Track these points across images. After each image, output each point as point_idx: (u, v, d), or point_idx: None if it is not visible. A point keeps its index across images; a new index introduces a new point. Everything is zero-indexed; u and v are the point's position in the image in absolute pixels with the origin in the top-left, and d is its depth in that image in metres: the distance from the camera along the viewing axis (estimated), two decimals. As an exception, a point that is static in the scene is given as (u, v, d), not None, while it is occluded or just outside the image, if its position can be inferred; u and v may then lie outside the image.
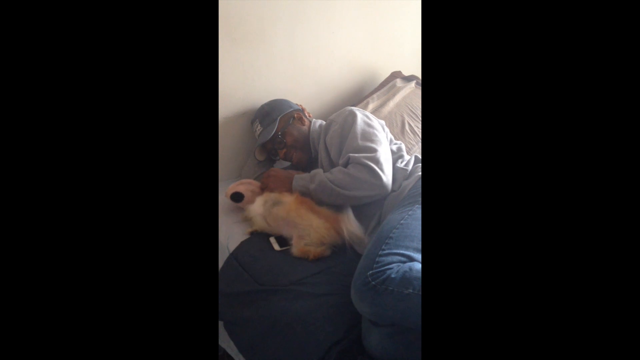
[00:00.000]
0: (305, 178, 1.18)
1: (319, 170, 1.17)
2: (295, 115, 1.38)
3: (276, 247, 1.09)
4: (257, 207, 1.14)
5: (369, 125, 1.20)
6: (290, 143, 1.34)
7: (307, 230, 1.04)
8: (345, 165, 1.15)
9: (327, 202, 1.12)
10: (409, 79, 1.76)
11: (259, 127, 1.37)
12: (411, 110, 1.64)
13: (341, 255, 1.06)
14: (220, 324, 1.04)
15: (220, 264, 1.11)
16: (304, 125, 1.38)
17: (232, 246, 1.13)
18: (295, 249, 1.05)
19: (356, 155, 1.12)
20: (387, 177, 1.10)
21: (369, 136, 1.16)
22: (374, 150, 1.12)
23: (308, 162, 1.38)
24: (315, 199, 1.13)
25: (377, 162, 1.10)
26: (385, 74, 1.79)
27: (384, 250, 0.87)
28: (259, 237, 1.14)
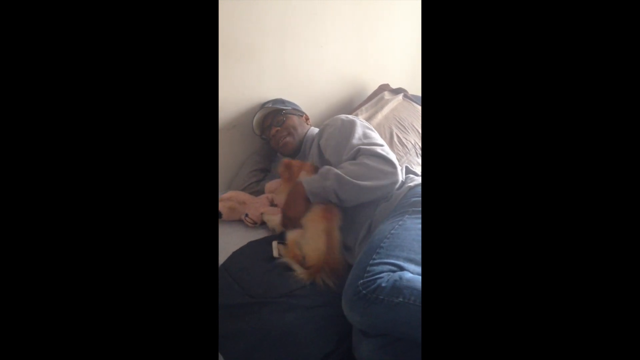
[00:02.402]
0: (315, 178, 1.13)
1: (327, 167, 1.13)
2: (304, 115, 1.50)
3: (275, 252, 1.10)
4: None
5: (369, 128, 1.24)
6: (287, 126, 1.40)
7: (309, 242, 1.05)
8: (352, 158, 1.14)
9: (344, 197, 1.08)
10: (396, 91, 1.79)
11: (269, 103, 1.45)
12: (399, 122, 1.66)
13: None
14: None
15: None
16: (307, 125, 1.47)
17: (223, 258, 1.13)
18: (290, 253, 1.06)
19: (367, 147, 1.12)
20: (399, 167, 1.12)
21: (371, 135, 1.20)
22: (382, 144, 1.15)
23: (293, 151, 1.41)
24: (330, 195, 1.08)
25: (387, 152, 1.12)
26: (374, 86, 1.82)
27: (374, 259, 0.88)
28: (250, 248, 1.14)
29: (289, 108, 1.45)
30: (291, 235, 1.10)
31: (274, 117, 1.42)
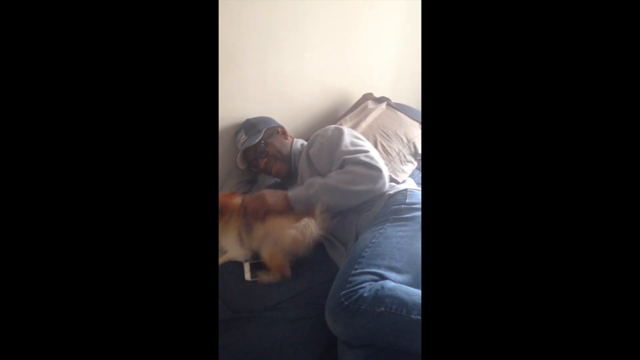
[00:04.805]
0: (300, 189, 1.15)
1: (314, 178, 1.16)
2: (279, 130, 1.42)
3: (247, 276, 1.08)
4: (230, 238, 1.13)
5: (356, 137, 1.25)
6: (272, 153, 1.36)
7: (280, 234, 1.05)
8: (340, 168, 1.16)
9: (331, 203, 1.10)
10: (380, 100, 1.81)
11: (243, 136, 1.39)
12: (383, 131, 1.68)
13: (315, 277, 1.07)
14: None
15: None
16: (286, 139, 1.42)
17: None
18: (265, 252, 1.05)
19: (351, 156, 1.14)
20: (385, 170, 1.13)
21: (358, 143, 1.21)
22: (367, 151, 1.16)
23: (287, 175, 1.39)
24: (315, 203, 1.09)
25: (372, 158, 1.13)
26: (357, 96, 1.83)
27: (356, 269, 0.88)
28: (232, 263, 1.13)
29: (262, 131, 1.37)
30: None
31: (255, 150, 1.37)
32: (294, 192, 1.14)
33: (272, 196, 1.14)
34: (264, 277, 1.06)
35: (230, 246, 1.13)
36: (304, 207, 1.11)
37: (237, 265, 1.13)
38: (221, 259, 1.15)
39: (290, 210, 1.12)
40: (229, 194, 1.21)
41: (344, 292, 0.84)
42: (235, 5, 1.35)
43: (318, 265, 1.11)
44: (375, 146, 1.62)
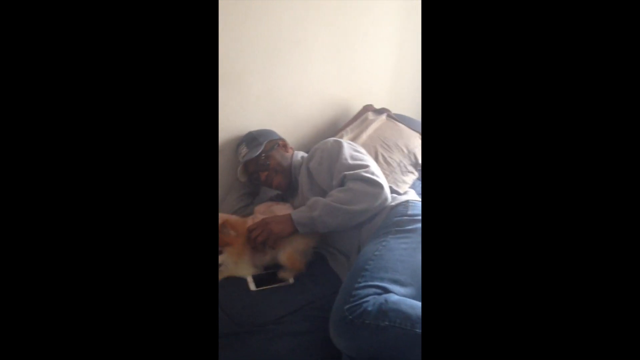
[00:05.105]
0: (303, 210, 1.15)
1: (316, 198, 1.16)
2: (280, 143, 1.43)
3: (252, 287, 1.09)
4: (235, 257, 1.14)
5: (356, 150, 1.25)
6: (273, 166, 1.37)
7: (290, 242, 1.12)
8: (340, 185, 1.17)
9: (334, 224, 1.11)
10: (380, 111, 1.82)
11: (244, 149, 1.40)
12: (383, 142, 1.69)
13: (318, 289, 1.07)
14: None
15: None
16: (287, 152, 1.43)
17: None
18: (283, 256, 1.12)
19: (351, 172, 1.14)
20: (386, 185, 1.14)
21: (358, 157, 1.21)
22: (367, 166, 1.16)
23: (287, 187, 1.40)
24: (320, 226, 1.11)
25: (372, 173, 1.14)
26: (357, 107, 1.85)
27: (359, 283, 0.88)
28: (236, 276, 1.14)
29: (263, 144, 1.38)
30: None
31: (256, 163, 1.37)
32: (297, 215, 1.14)
33: (277, 224, 1.13)
34: (282, 274, 1.11)
35: (233, 264, 1.14)
36: (308, 230, 1.13)
37: (241, 278, 1.13)
38: (222, 275, 1.15)
39: (295, 232, 1.13)
40: (234, 221, 1.21)
41: (347, 306, 0.84)
42: (237, 20, 1.37)
43: (320, 277, 1.12)
44: (376, 157, 1.63)
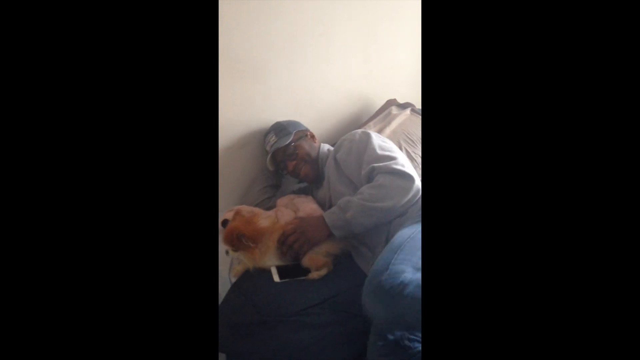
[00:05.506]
0: (335, 212, 1.13)
1: (346, 198, 1.14)
2: (309, 134, 1.44)
3: (276, 278, 1.10)
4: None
5: (384, 141, 1.25)
6: (302, 156, 1.37)
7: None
8: (369, 178, 1.16)
9: (370, 224, 1.09)
10: (404, 106, 1.81)
11: (273, 137, 1.40)
12: (407, 137, 1.67)
13: (345, 283, 1.07)
14: (223, 356, 1.03)
15: (223, 295, 1.11)
16: (315, 143, 1.44)
17: (235, 277, 1.14)
18: (306, 259, 1.11)
19: (380, 164, 1.13)
20: (416, 176, 1.12)
21: (387, 147, 1.21)
22: (396, 157, 1.15)
23: (314, 178, 1.40)
24: (356, 228, 1.09)
25: (403, 165, 1.13)
26: (381, 102, 1.83)
27: (396, 259, 0.87)
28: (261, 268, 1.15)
29: (292, 133, 1.39)
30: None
31: (284, 152, 1.37)
32: (330, 217, 1.13)
33: (314, 230, 1.13)
34: (313, 274, 1.09)
35: (260, 254, 1.14)
36: (344, 232, 1.11)
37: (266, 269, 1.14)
38: (246, 266, 1.15)
39: (331, 236, 1.13)
40: (250, 218, 1.20)
41: (384, 276, 0.82)
42: (263, 14, 1.38)
43: (345, 271, 1.12)
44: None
